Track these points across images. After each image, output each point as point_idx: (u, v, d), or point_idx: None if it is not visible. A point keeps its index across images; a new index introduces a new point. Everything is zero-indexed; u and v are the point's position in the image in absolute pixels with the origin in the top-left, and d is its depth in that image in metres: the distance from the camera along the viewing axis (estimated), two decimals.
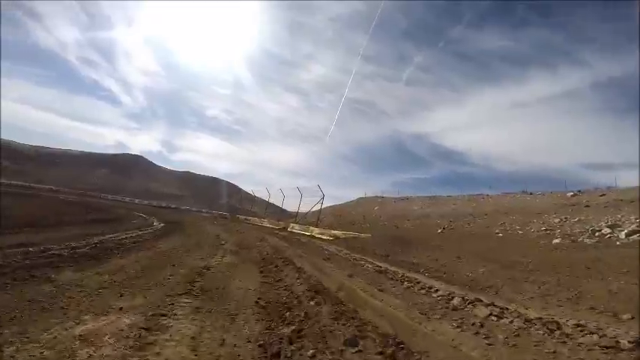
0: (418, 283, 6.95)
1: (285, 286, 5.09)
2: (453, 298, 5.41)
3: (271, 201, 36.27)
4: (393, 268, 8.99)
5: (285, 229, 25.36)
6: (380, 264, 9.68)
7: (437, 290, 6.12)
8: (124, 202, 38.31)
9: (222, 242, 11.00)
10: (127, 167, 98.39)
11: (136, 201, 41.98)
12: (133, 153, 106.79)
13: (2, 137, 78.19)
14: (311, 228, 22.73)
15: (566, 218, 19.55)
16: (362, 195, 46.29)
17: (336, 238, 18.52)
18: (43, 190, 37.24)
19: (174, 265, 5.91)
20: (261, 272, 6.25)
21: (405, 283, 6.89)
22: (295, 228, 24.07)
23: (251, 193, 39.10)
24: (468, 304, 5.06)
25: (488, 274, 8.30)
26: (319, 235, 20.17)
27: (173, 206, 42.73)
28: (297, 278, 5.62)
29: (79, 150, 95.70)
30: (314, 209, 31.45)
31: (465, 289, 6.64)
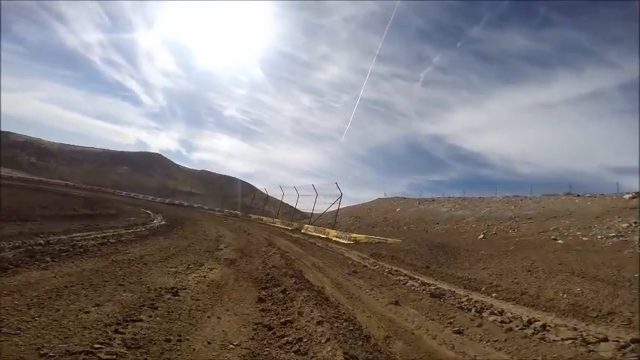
0: (502, 313, 4.45)
1: (298, 338, 2.73)
2: (590, 342, 2.89)
3: (285, 201, 34.28)
4: (446, 286, 6.46)
5: (298, 230, 23.15)
6: (426, 279, 7.16)
7: (545, 327, 3.60)
8: (136, 199, 37.46)
9: (221, 246, 8.84)
10: (147, 165, 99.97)
11: (149, 198, 41.12)
12: (152, 151, 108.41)
13: (31, 135, 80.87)
14: (327, 230, 20.38)
15: (635, 223, 16.27)
16: (381, 196, 43.44)
17: (357, 242, 16.04)
18: (58, 185, 37.00)
19: (121, 284, 3.71)
20: (260, 301, 3.94)
21: (486, 314, 4.38)
22: (310, 230, 21.81)
23: (264, 191, 37.23)
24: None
25: (595, 296, 5.62)
26: (337, 239, 17.78)
27: (186, 204, 41.58)
28: (319, 314, 3.24)
29: (102, 148, 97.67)
30: (331, 209, 29.08)
31: (588, 321, 4.05)
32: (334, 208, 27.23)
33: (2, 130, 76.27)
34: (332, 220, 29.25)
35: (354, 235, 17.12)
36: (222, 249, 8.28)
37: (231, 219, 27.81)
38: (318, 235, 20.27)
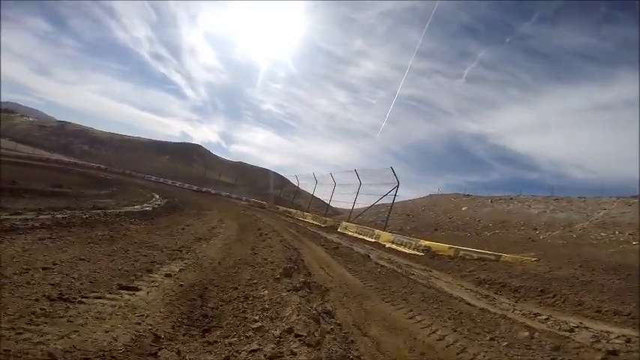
0: None
1: None
2: None
3: (317, 195, 29.16)
4: None
5: (334, 228, 17.73)
6: None
7: None
8: (164, 184, 35.58)
9: (162, 268, 3.72)
10: (187, 155, 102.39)
11: (177, 184, 39.06)
12: (194, 142, 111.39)
13: (85, 125, 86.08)
14: (376, 231, 14.62)
15: None
16: (421, 193, 36.05)
17: (433, 254, 10.09)
18: (90, 167, 36.20)
19: None
20: None
21: None
22: (350, 229, 16.24)
23: (296, 179, 32.28)
24: None
25: None
26: (394, 246, 11.98)
27: (213, 191, 38.73)
28: None
29: (148, 138, 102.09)
30: (379, 202, 23.07)
31: None
32: (384, 201, 21.11)
33: (59, 120, 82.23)
34: (375, 217, 23.38)
35: (424, 242, 11.13)
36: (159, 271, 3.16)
37: (255, 209, 23.25)
38: (362, 237, 14.61)
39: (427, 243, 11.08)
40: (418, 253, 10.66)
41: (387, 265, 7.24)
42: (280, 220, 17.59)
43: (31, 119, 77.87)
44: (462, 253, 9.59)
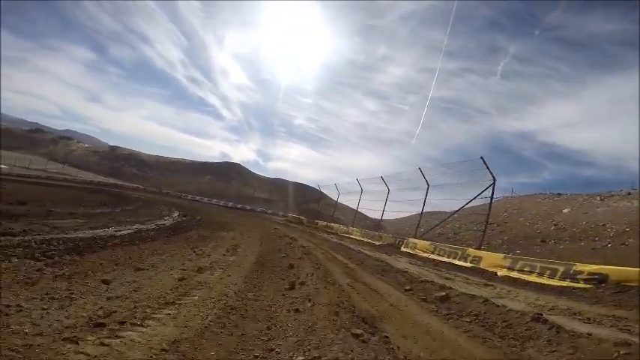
0: None
1: None
2: None
3: (348, 205, 24.68)
4: None
5: (396, 247, 12.95)
6: None
7: None
8: (199, 202, 34.26)
9: None
10: (226, 174, 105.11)
11: (213, 201, 37.71)
12: (233, 161, 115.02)
13: (134, 149, 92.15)
14: (470, 251, 9.67)
15: None
16: (502, 194, 29.17)
17: (616, 284, 5.08)
18: (127, 188, 36.11)
19: None
20: None
21: None
22: (424, 248, 11.34)
23: (336, 189, 28.00)
24: None
25: None
26: (515, 274, 7.05)
27: (248, 207, 36.31)
28: None
29: (190, 159, 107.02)
30: (434, 210, 17.93)
31: None
32: (440, 208, 15.88)
33: (111, 144, 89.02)
34: (441, 229, 18.07)
35: (584, 266, 6.07)
36: None
37: (291, 227, 19.31)
38: (449, 260, 9.77)
39: (593, 267, 6.00)
40: (579, 285, 5.68)
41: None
42: (321, 239, 13.39)
43: (86, 145, 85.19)
44: None
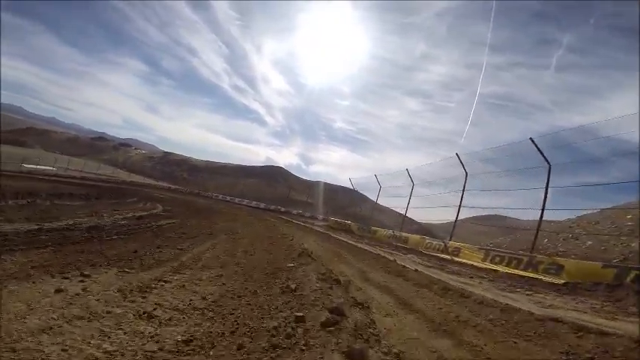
0: None
1: None
2: None
3: (388, 206, 18.83)
4: None
5: (494, 274, 7.11)
6: None
7: None
8: (229, 202, 31.91)
9: None
10: (271, 177, 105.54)
11: (244, 202, 35.13)
12: (277, 165, 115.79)
13: (186, 155, 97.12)
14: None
15: None
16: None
17: None
18: (162, 188, 35.54)
19: None
20: None
21: None
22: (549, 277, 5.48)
23: (377, 184, 22.48)
24: None
25: None
26: None
27: (282, 209, 32.60)
28: None
29: (237, 164, 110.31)
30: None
31: None
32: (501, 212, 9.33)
33: (165, 151, 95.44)
34: (544, 244, 11.45)
35: None
36: None
37: (337, 239, 13.92)
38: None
39: None
40: None
41: None
42: (370, 260, 8.22)
43: (143, 152, 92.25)
44: None
